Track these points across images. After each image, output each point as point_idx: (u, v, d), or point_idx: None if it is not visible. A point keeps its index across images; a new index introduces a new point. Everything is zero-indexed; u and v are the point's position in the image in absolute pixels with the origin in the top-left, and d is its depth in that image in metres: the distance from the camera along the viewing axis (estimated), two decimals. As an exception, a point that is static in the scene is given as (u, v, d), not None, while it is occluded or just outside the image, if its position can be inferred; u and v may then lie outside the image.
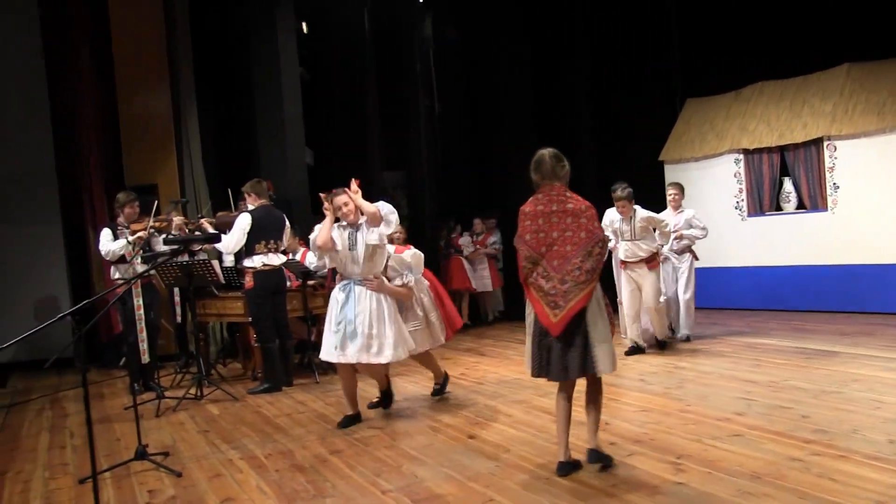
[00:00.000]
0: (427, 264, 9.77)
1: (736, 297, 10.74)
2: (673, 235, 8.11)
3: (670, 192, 8.44)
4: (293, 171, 9.80)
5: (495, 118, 12.29)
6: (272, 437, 5.57)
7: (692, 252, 8.30)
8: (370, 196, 11.10)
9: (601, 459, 4.27)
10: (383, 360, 5.56)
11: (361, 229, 5.61)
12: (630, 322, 7.75)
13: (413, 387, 7.16)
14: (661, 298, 7.68)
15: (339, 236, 5.64)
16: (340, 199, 5.60)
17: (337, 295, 5.66)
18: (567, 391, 4.28)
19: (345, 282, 5.66)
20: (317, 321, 8.19)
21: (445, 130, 12.70)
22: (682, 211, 8.35)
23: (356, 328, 5.53)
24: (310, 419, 6.10)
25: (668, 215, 8.19)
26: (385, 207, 5.61)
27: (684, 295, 8.18)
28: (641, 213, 7.55)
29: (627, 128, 12.29)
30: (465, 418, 5.74)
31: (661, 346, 7.82)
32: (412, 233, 10.81)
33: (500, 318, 11.80)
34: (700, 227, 8.24)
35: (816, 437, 4.55)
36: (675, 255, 8.25)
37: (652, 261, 7.61)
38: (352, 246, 5.60)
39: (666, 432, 4.90)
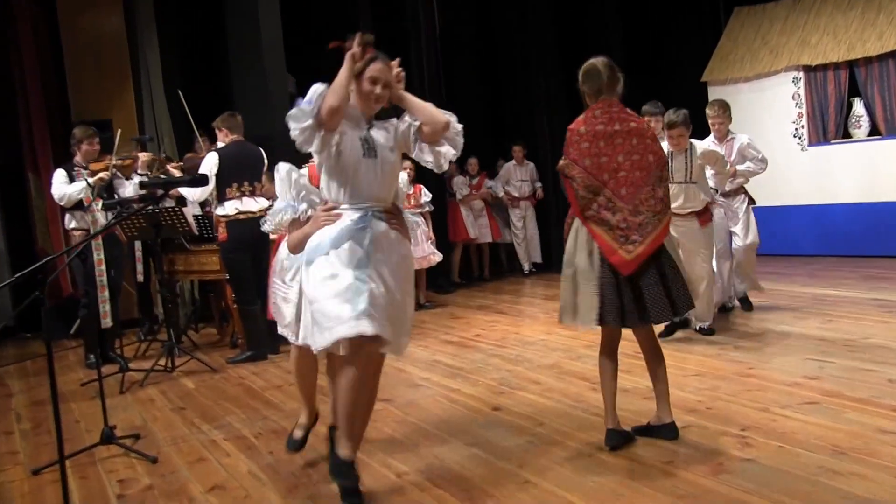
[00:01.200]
0: (433, 210, 9.82)
1: (796, 241, 10.66)
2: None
3: (712, 114, 7.35)
4: (274, 103, 9.59)
5: (509, 33, 12.10)
6: (261, 414, 5.52)
7: (747, 192, 7.37)
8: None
9: (671, 433, 4.28)
10: (401, 349, 3.98)
11: (379, 132, 3.88)
12: None
13: (422, 352, 7.11)
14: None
15: (349, 134, 3.80)
16: (378, 69, 3.82)
17: (349, 229, 3.72)
18: (612, 346, 4.24)
19: (358, 210, 3.78)
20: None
21: (450, 50, 12.49)
22: (731, 138, 7.33)
23: (388, 288, 3.75)
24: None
25: (709, 145, 7.05)
26: (454, 120, 3.94)
27: (746, 239, 7.26)
28: (699, 145, 6.48)
29: (665, 43, 12.11)
30: (487, 387, 5.69)
31: (707, 332, 6.66)
32: (419, 173, 10.71)
33: (495, 273, 11.88)
34: (758, 159, 7.26)
35: (906, 403, 4.48)
36: (722, 199, 7.27)
37: (705, 213, 6.50)
38: (368, 151, 3.80)
39: (726, 400, 4.84)
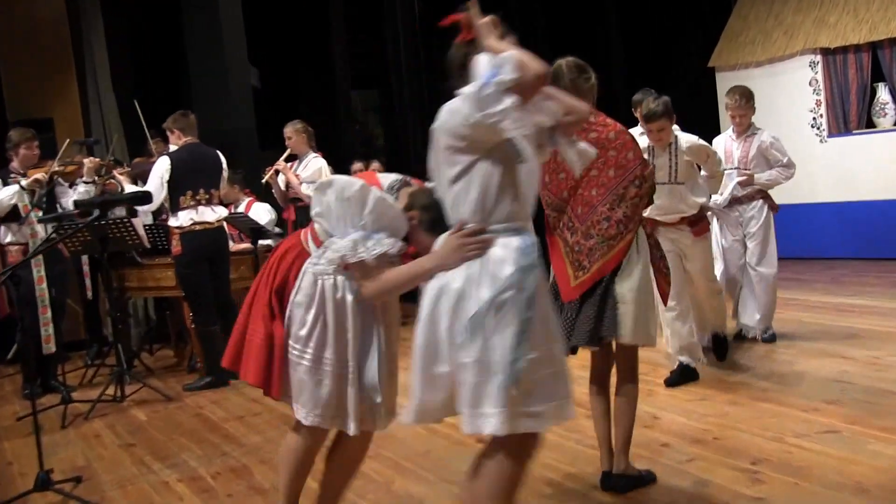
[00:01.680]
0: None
1: (816, 243, 10.66)
2: (735, 179, 6.63)
3: (732, 104, 6.75)
4: (234, 96, 9.60)
5: (495, 5, 12.11)
6: (220, 450, 5.47)
7: (768, 198, 6.72)
8: (334, 122, 11.12)
9: (618, 486, 4.11)
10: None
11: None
12: (670, 323, 5.89)
13: (402, 374, 7.04)
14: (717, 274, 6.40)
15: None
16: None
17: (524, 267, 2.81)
18: (599, 380, 4.19)
19: (521, 235, 2.86)
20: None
21: (432, 34, 12.47)
22: (752, 133, 6.75)
23: None
24: (269, 423, 6.01)
25: (724, 142, 6.86)
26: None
27: (760, 266, 6.67)
28: (685, 139, 5.79)
29: (669, 25, 12.10)
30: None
31: (720, 350, 6.38)
32: (391, 169, 10.71)
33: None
34: (783, 164, 6.67)
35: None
36: (725, 207, 6.71)
37: (699, 223, 5.88)
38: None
39: (735, 428, 4.81)
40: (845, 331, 6.87)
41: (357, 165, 9.84)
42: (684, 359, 5.85)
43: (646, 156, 4.89)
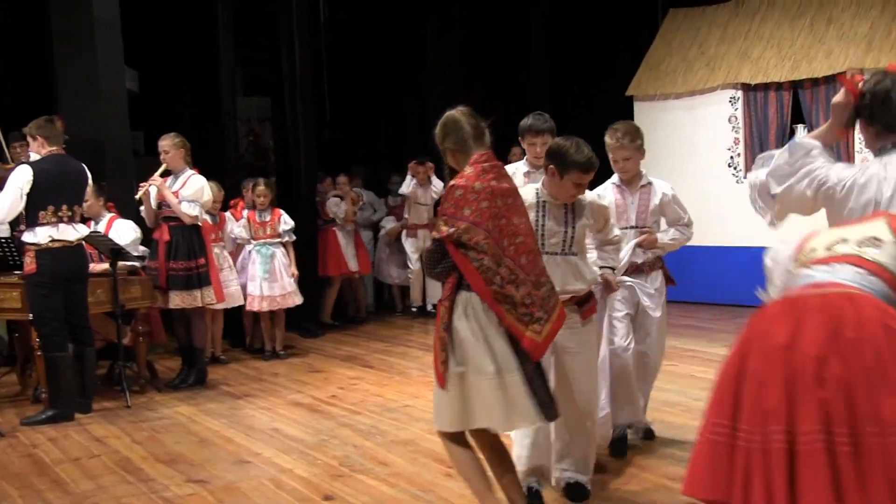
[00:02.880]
0: (301, 239, 9.83)
1: (725, 288, 10.90)
2: (632, 243, 5.65)
3: (612, 143, 5.60)
4: (107, 101, 9.53)
5: (411, 24, 12.25)
6: (42, 498, 5.43)
7: (664, 267, 5.89)
8: (222, 131, 11.04)
9: None
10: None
11: None
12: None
13: (263, 416, 7.11)
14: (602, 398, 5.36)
15: None
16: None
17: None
18: (482, 437, 4.26)
19: None
20: (131, 318, 8.04)
21: (335, 38, 12.56)
22: (646, 184, 5.75)
23: None
24: (106, 466, 5.99)
25: (612, 194, 5.71)
26: None
27: (655, 354, 5.85)
28: (587, 195, 4.90)
29: (595, 49, 12.34)
30: (326, 468, 5.72)
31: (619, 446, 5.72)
32: (284, 188, 10.72)
33: (374, 313, 12.22)
34: (683, 223, 5.79)
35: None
36: (629, 277, 5.70)
37: (589, 301, 4.88)
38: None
39: None
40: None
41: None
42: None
43: (532, 215, 4.52)
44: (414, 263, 11.55)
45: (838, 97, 3.47)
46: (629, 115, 11.76)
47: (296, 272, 9.53)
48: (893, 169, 3.27)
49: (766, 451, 2.63)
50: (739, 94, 10.89)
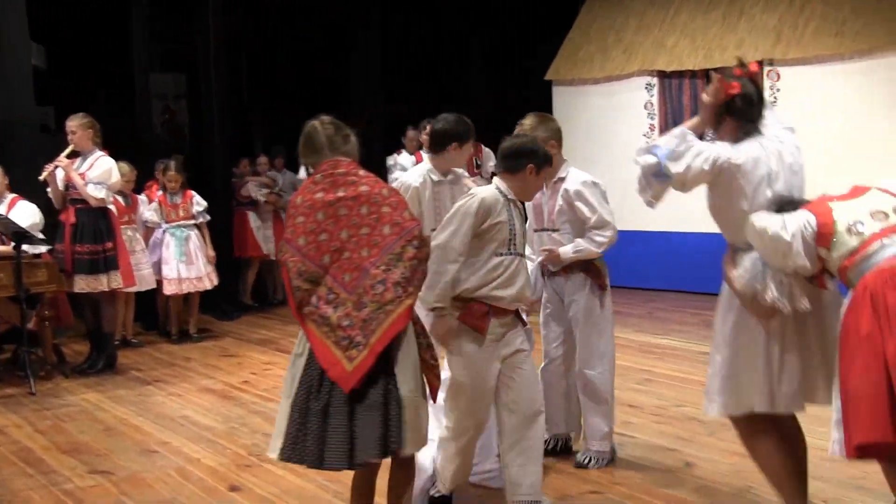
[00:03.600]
0: (216, 220, 9.68)
1: (640, 272, 11.05)
2: (533, 266, 5.30)
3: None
4: (11, 78, 9.28)
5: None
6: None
7: (592, 271, 5.30)
8: (135, 108, 10.82)
9: None
10: None
11: None
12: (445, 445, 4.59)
13: (173, 403, 7.01)
14: None
15: None
16: None
17: None
18: (364, 482, 3.97)
19: None
20: (37, 302, 7.85)
21: (255, 13, 12.37)
22: (559, 178, 5.23)
23: None
24: (4, 458, 5.86)
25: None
26: None
27: (587, 368, 5.26)
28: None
29: (516, 34, 12.34)
30: (233, 456, 5.66)
31: None
32: (198, 168, 10.56)
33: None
34: (590, 226, 5.16)
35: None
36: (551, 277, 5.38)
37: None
38: None
39: None
40: (639, 375, 7.19)
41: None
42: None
43: (504, 216, 4.30)
44: None
45: (711, 97, 3.98)
46: (548, 99, 11.82)
47: (212, 254, 9.40)
48: (770, 146, 3.93)
49: None
50: (655, 80, 11.00)
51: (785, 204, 3.78)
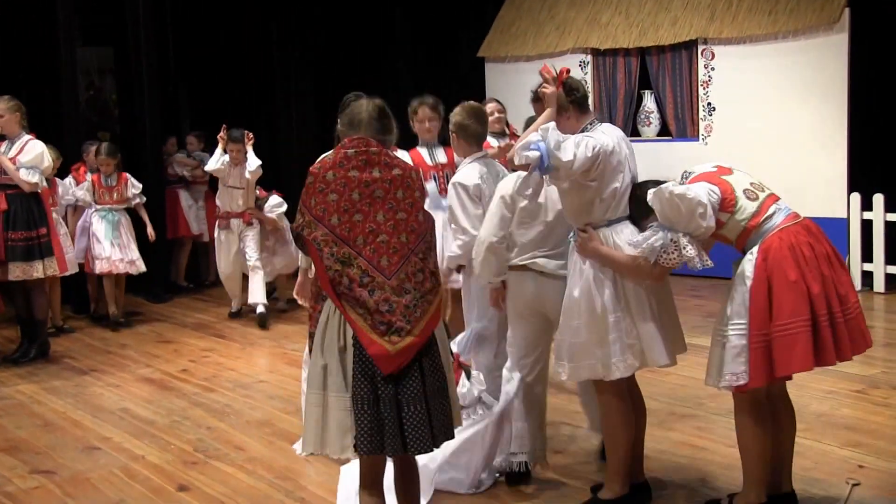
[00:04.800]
0: (148, 200, 9.47)
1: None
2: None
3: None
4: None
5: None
6: None
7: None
8: (59, 83, 10.51)
9: None
10: None
11: None
12: None
13: (111, 395, 6.91)
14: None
15: None
16: None
17: None
18: (375, 478, 3.84)
19: None
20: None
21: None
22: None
23: None
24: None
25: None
26: None
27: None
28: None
29: (446, 9, 12.27)
30: (179, 453, 5.60)
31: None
32: (128, 146, 10.34)
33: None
34: (456, 234, 5.30)
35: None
36: None
37: None
38: None
39: None
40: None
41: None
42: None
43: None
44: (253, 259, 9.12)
45: (551, 84, 4.30)
46: (480, 77, 11.82)
47: (153, 234, 9.24)
48: (612, 133, 4.32)
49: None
50: (589, 58, 11.04)
51: (651, 184, 4.19)
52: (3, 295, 8.13)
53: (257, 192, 9.15)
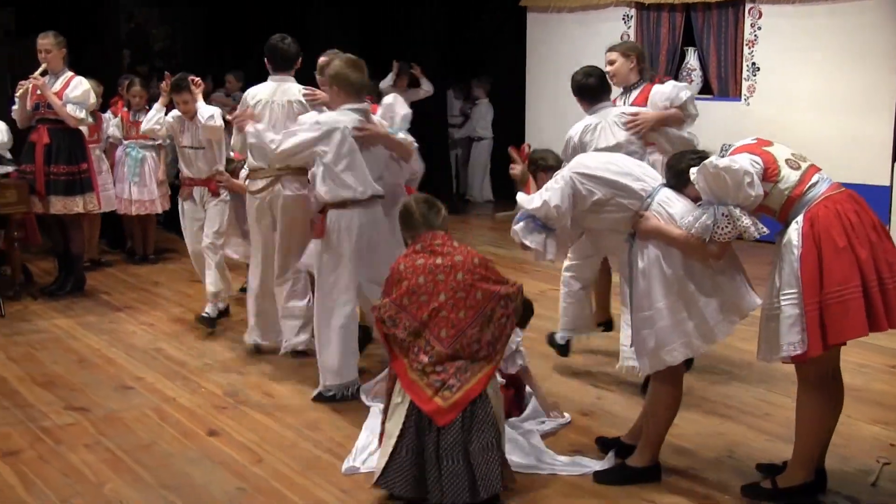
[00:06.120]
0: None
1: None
2: None
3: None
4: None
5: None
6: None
7: None
8: (100, 19, 10.49)
9: None
10: None
11: None
12: None
13: (145, 334, 7.00)
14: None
15: None
16: None
17: None
18: None
19: None
20: (5, 223, 7.75)
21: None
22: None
23: None
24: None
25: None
26: None
27: None
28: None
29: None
30: (210, 397, 5.68)
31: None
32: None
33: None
34: None
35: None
36: None
37: None
38: None
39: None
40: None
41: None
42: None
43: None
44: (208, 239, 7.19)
45: (517, 169, 4.78)
46: (522, 27, 11.70)
47: (163, 177, 9.26)
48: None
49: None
50: (633, 12, 10.91)
51: (689, 155, 4.38)
52: (40, 228, 8.22)
53: (232, 154, 7.38)
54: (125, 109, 9.17)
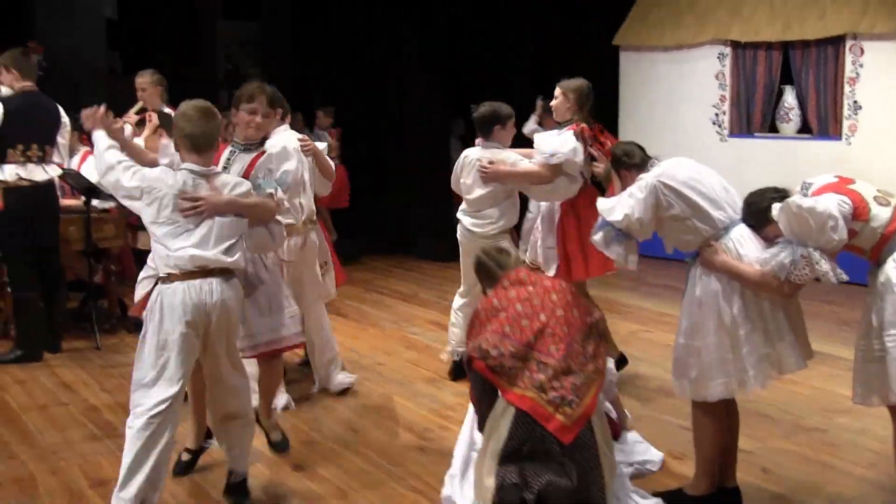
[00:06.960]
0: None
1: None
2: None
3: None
4: (83, 27, 9.31)
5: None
6: (9, 450, 5.39)
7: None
8: (198, 58, 10.74)
9: None
10: None
11: None
12: None
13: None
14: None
15: None
16: None
17: None
18: None
19: None
20: (103, 257, 7.93)
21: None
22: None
23: None
24: (73, 417, 5.96)
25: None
26: None
27: None
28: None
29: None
30: (296, 432, 5.66)
31: None
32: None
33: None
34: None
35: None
36: None
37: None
38: None
39: None
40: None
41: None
42: None
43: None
44: None
45: (601, 168, 5.17)
46: (615, 65, 11.65)
47: None
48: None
49: None
50: (728, 50, 10.76)
51: (770, 192, 4.25)
52: (135, 262, 8.34)
53: None
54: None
